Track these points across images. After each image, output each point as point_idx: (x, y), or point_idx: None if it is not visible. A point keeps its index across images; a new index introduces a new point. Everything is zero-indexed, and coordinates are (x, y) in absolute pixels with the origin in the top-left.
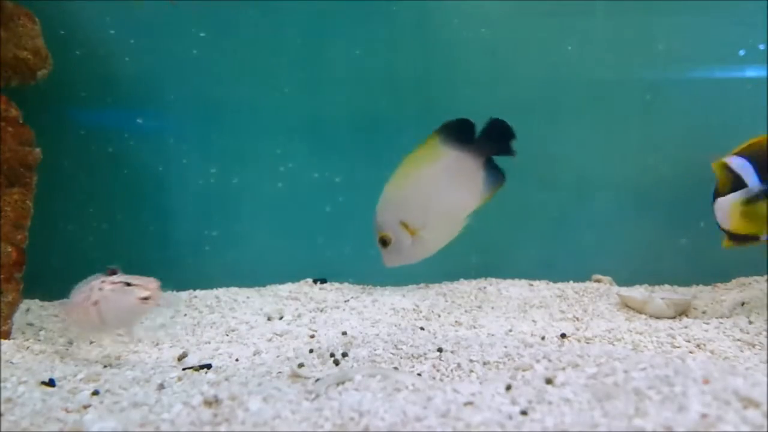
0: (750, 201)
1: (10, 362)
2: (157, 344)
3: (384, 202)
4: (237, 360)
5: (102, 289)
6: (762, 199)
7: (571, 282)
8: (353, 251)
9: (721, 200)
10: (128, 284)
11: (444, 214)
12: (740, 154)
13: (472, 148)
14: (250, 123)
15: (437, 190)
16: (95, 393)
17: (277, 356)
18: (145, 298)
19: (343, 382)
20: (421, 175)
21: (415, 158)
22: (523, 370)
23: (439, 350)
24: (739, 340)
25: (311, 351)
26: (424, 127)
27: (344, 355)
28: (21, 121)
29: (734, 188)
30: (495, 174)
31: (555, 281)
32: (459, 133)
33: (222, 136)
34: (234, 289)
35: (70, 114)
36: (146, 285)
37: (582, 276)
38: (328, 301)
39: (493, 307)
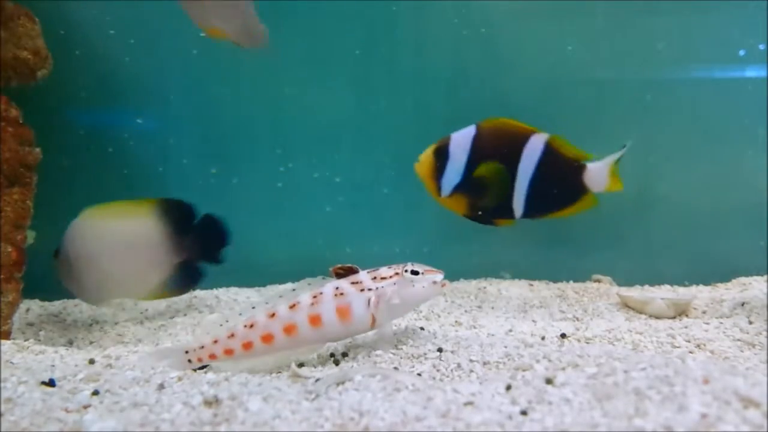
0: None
1: (10, 362)
2: (157, 344)
3: (78, 230)
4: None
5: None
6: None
7: (571, 282)
8: (353, 251)
9: None
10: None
11: (113, 274)
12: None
13: (174, 240)
14: (250, 123)
15: (119, 249)
16: (95, 393)
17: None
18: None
19: (343, 382)
20: (118, 224)
21: (122, 207)
22: (523, 370)
23: (439, 350)
24: (739, 340)
25: (313, 352)
26: (424, 127)
27: (344, 355)
28: (21, 121)
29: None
30: (186, 279)
31: (555, 281)
32: (176, 214)
33: (222, 136)
34: (234, 289)
35: (70, 114)
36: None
37: (582, 276)
38: None
39: (493, 307)
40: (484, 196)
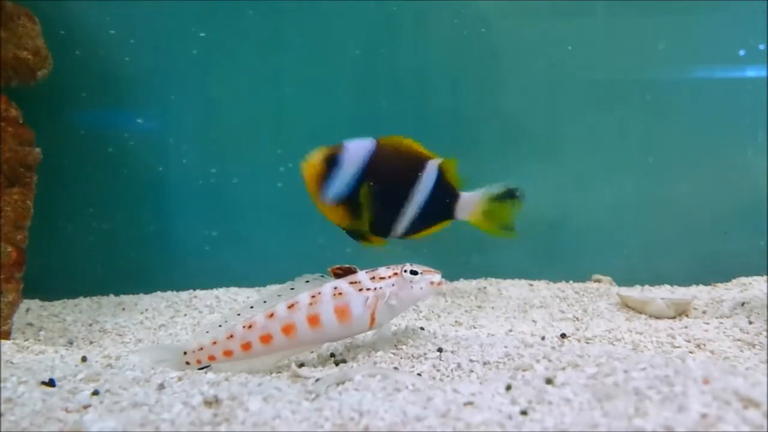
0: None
1: (10, 362)
2: (157, 343)
3: None
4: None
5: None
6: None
7: (571, 282)
8: (353, 251)
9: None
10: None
11: None
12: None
13: None
14: (250, 123)
15: None
16: (95, 393)
17: None
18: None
19: (343, 382)
20: None
21: None
22: (523, 370)
23: (439, 350)
24: (739, 340)
25: (311, 351)
26: (424, 127)
27: (344, 361)
28: (21, 121)
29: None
30: None
31: (555, 281)
32: None
33: (222, 136)
34: (234, 289)
35: (70, 114)
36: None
37: (582, 276)
38: None
39: (493, 307)
40: (367, 213)
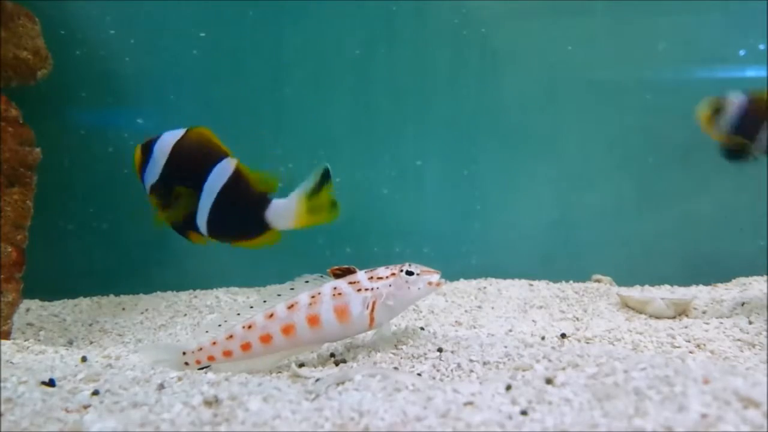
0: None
1: (10, 362)
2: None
3: None
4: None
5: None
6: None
7: (571, 282)
8: (353, 251)
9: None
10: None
11: None
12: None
13: None
14: (250, 123)
15: None
16: (95, 393)
17: None
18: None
19: (343, 382)
20: None
21: None
22: (523, 370)
23: (439, 350)
24: (739, 340)
25: (311, 351)
26: (424, 127)
27: (344, 361)
28: (21, 121)
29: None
30: None
31: (555, 281)
32: None
33: (222, 136)
34: (234, 289)
35: (70, 114)
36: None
37: (582, 276)
38: None
39: (493, 307)
40: (171, 206)
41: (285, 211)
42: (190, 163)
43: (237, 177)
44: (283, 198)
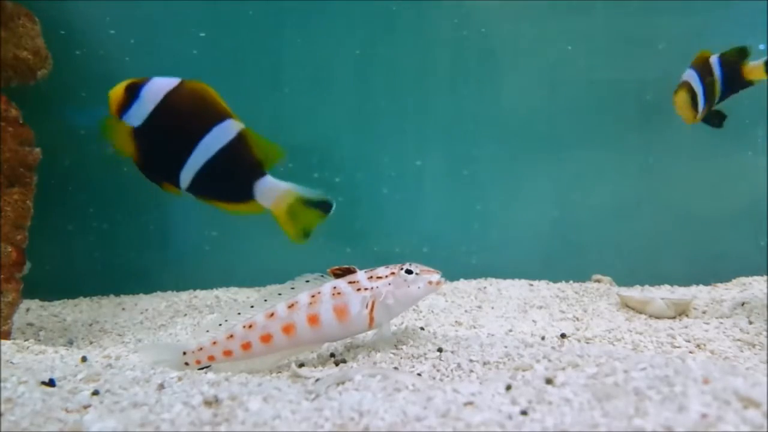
0: None
1: (10, 362)
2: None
3: None
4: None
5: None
6: None
7: (571, 282)
8: (353, 251)
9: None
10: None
11: None
12: None
13: None
14: (250, 123)
15: None
16: (95, 393)
17: None
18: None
19: (343, 382)
20: None
21: None
22: (523, 370)
23: (439, 350)
24: (739, 340)
25: (311, 351)
26: (424, 127)
27: (343, 361)
28: (21, 121)
29: None
30: None
31: (555, 281)
32: None
33: None
34: (234, 289)
35: (70, 114)
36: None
37: (582, 276)
38: None
39: (493, 307)
40: (154, 155)
41: (273, 192)
42: (186, 116)
43: (239, 141)
44: (278, 180)
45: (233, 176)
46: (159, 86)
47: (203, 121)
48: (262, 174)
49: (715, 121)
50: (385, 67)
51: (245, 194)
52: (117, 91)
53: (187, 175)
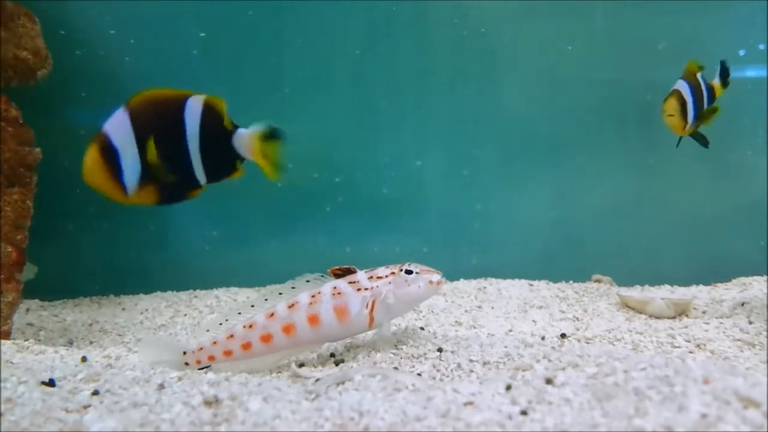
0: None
1: (10, 362)
2: None
3: None
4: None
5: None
6: None
7: (571, 282)
8: (353, 251)
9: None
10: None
11: None
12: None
13: None
14: (250, 123)
15: None
16: (95, 393)
17: None
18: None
19: (343, 382)
20: None
21: None
22: (523, 370)
23: (439, 350)
24: (739, 340)
25: (311, 351)
26: (424, 127)
27: (343, 361)
28: (21, 121)
29: None
30: None
31: (555, 281)
32: None
33: None
34: (234, 289)
35: (70, 114)
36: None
37: (582, 276)
38: None
39: (493, 307)
40: (168, 174)
41: (245, 140)
42: (161, 123)
43: (209, 110)
44: (240, 128)
45: (222, 146)
46: (120, 126)
47: (174, 117)
48: (235, 129)
49: (703, 140)
50: (385, 67)
51: (234, 157)
52: (96, 165)
53: (199, 171)
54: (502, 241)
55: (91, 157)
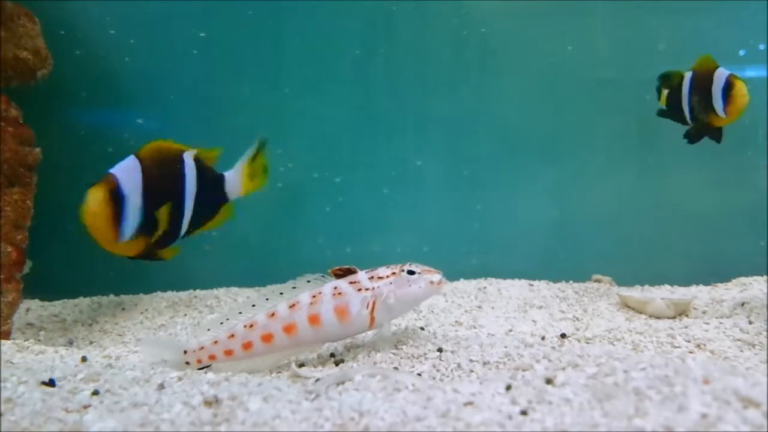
0: None
1: (10, 362)
2: None
3: None
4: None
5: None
6: None
7: (571, 282)
8: (353, 251)
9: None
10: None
11: None
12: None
13: None
14: (250, 123)
15: None
16: (95, 393)
17: None
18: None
19: (343, 382)
20: None
21: None
22: (523, 370)
23: (439, 350)
24: (739, 340)
25: (312, 351)
26: (424, 127)
27: (342, 361)
28: (21, 121)
29: None
30: None
31: (555, 281)
32: None
33: (222, 136)
34: (234, 289)
35: (70, 114)
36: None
37: (582, 276)
38: None
39: (493, 307)
40: (158, 229)
41: (235, 181)
42: (165, 179)
43: (200, 164)
44: (229, 170)
45: (213, 196)
46: (131, 174)
47: (175, 173)
48: (223, 177)
49: (717, 134)
50: (385, 67)
51: (220, 203)
52: (101, 206)
53: (185, 224)
54: (502, 241)
55: (98, 198)
